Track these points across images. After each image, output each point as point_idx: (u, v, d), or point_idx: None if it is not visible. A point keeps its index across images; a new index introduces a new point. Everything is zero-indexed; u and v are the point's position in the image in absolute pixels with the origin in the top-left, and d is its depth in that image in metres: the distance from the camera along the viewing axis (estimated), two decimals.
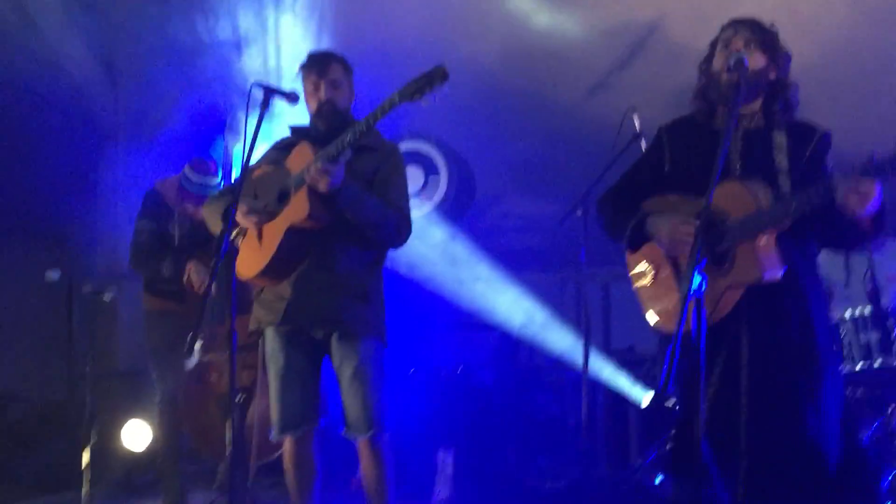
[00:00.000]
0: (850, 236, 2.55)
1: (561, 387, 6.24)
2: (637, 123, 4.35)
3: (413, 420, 5.32)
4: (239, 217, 3.16)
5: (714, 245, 2.55)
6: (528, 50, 5.53)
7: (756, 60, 2.65)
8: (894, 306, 3.95)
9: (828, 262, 4.71)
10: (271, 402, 3.28)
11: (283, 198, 3.19)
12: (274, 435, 3.29)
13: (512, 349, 6.55)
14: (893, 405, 3.89)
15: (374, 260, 3.32)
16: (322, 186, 2.98)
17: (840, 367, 2.73)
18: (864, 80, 4.98)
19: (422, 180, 6.01)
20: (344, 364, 3.20)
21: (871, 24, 4.76)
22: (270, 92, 3.14)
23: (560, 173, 5.93)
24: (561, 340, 5.99)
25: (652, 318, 2.83)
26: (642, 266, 2.84)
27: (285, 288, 3.21)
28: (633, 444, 5.50)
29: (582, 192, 4.39)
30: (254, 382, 4.06)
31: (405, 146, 5.92)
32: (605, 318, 6.60)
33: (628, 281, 2.94)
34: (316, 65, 3.30)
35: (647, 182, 2.83)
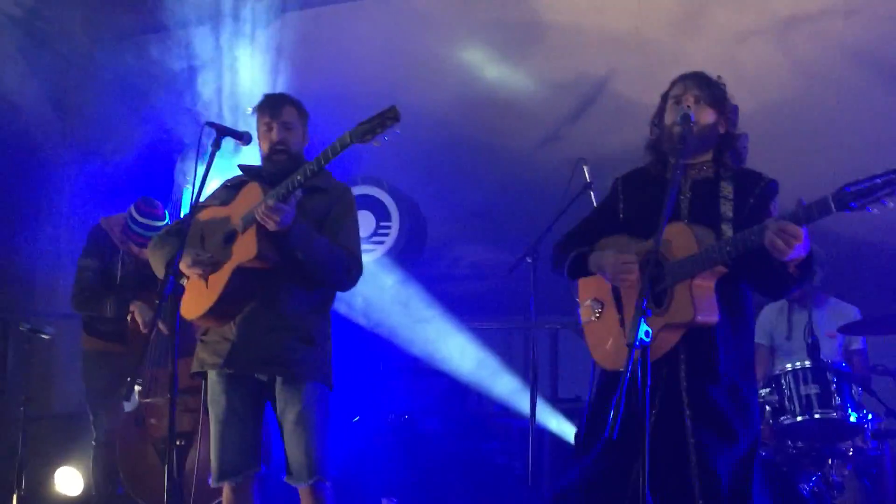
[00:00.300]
0: (778, 280, 2.57)
1: (508, 435, 6.22)
2: (587, 174, 4.43)
3: (357, 467, 5.24)
4: (183, 267, 3.10)
5: (654, 285, 2.58)
6: (482, 100, 5.62)
7: (705, 116, 2.73)
8: (833, 361, 4.04)
9: (772, 318, 4.84)
10: (211, 447, 3.19)
11: (230, 239, 3.15)
12: (213, 481, 3.20)
13: (460, 396, 6.52)
14: (832, 458, 3.95)
15: (322, 302, 3.28)
16: (272, 225, 2.95)
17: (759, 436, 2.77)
18: (801, 136, 5.16)
19: (373, 225, 6.01)
20: (287, 408, 3.13)
21: (810, 85, 4.96)
22: (222, 132, 3.14)
23: (511, 222, 5.99)
24: (509, 389, 5.98)
25: (595, 354, 2.86)
26: (590, 302, 2.87)
27: (230, 329, 3.15)
28: None
29: (532, 240, 4.43)
30: (195, 427, 3.96)
31: (357, 191, 5.91)
32: (553, 368, 6.62)
33: (576, 331, 2.96)
34: (270, 106, 3.28)
35: (602, 230, 2.88)
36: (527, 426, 4.58)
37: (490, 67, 5.50)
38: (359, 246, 3.29)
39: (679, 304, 2.56)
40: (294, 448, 3.11)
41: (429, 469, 5.63)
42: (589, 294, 2.88)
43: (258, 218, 2.97)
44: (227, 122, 3.79)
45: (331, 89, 5.17)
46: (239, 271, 3.07)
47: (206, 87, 5.19)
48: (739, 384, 2.66)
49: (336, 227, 3.23)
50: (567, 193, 4.35)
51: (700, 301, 2.54)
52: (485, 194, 6.17)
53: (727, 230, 2.65)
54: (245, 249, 3.06)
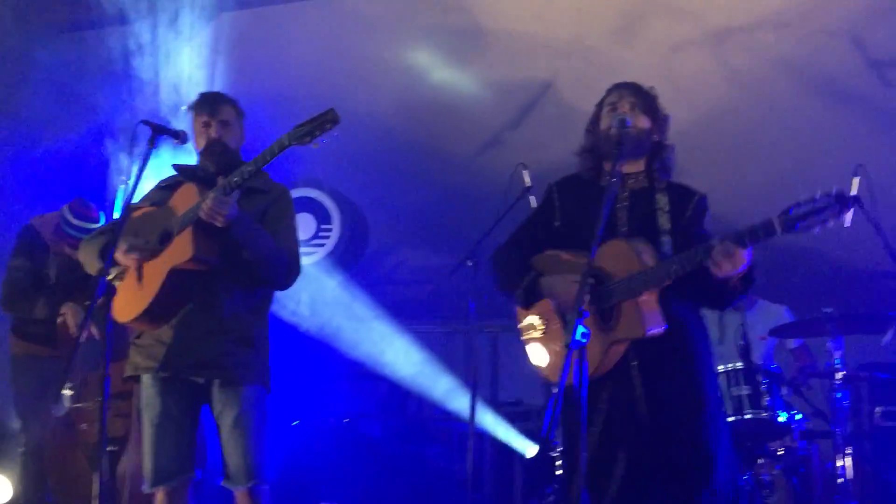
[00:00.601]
0: (721, 295, 2.64)
1: (449, 439, 6.24)
2: (527, 179, 4.47)
3: (297, 471, 5.19)
4: (118, 255, 3.04)
5: (601, 302, 2.63)
6: (424, 104, 5.63)
7: (641, 121, 2.81)
8: (764, 363, 4.15)
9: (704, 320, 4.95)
10: (144, 451, 3.12)
11: (165, 239, 3.09)
12: (146, 487, 3.13)
13: (400, 400, 6.52)
14: (762, 458, 4.06)
15: (261, 304, 3.24)
16: (220, 220, 2.92)
17: (724, 414, 2.84)
18: (736, 146, 5.30)
19: (314, 228, 5.97)
20: (225, 411, 3.08)
21: (743, 95, 5.09)
22: (158, 130, 3.08)
23: (452, 226, 6.00)
24: (450, 392, 6.00)
25: (540, 370, 2.87)
26: (532, 319, 2.89)
27: (165, 332, 3.09)
28: (518, 495, 5.53)
29: (472, 244, 4.45)
30: (127, 432, 3.87)
31: (297, 193, 5.87)
32: (494, 371, 6.66)
33: (517, 333, 2.98)
34: (207, 104, 3.25)
35: (538, 237, 2.90)
36: (468, 430, 4.59)
37: (433, 72, 5.51)
38: (298, 246, 3.26)
39: (628, 321, 2.61)
40: (232, 451, 3.07)
41: (369, 473, 5.61)
42: (530, 311, 2.89)
43: (203, 215, 2.92)
44: (164, 121, 3.71)
45: (271, 90, 5.12)
46: (174, 273, 3.02)
47: (142, 84, 5.09)
48: (697, 377, 2.71)
49: (274, 226, 3.20)
50: (507, 198, 4.38)
51: (648, 316, 2.60)
52: (427, 198, 6.18)
53: (666, 242, 2.72)
54: (181, 251, 3.00)
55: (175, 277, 3.02)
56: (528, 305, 2.86)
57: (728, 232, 2.45)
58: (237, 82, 5.30)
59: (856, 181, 3.90)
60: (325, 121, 2.82)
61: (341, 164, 6.02)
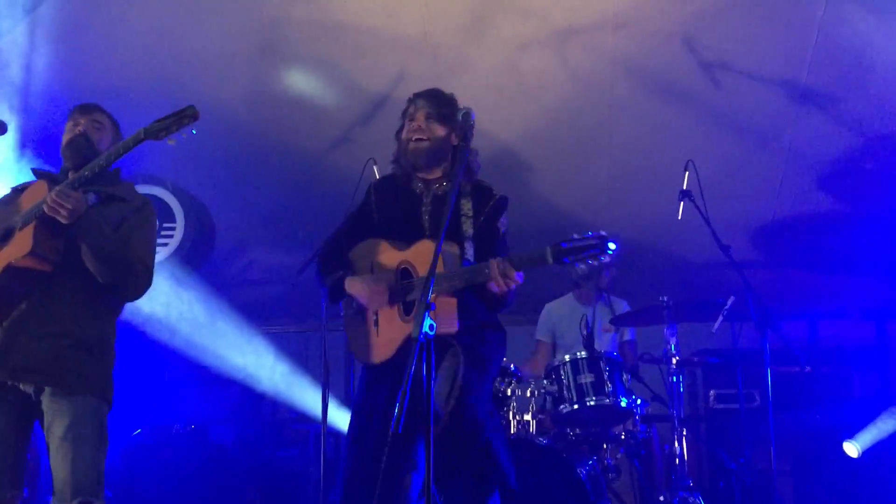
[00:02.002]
0: (494, 303, 2.88)
1: (305, 441, 6.13)
2: (377, 174, 4.45)
3: (140, 484, 4.96)
4: None
5: (405, 295, 2.86)
6: (272, 97, 5.50)
7: (436, 131, 2.97)
8: (606, 351, 4.31)
9: (553, 316, 5.11)
10: None
11: (6, 236, 2.92)
12: None
13: (254, 404, 6.35)
14: (606, 443, 4.22)
15: (105, 309, 3.06)
16: (63, 214, 2.78)
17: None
18: (577, 140, 5.49)
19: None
20: (55, 422, 2.87)
21: (585, 94, 5.28)
22: None
23: (303, 223, 5.90)
24: (305, 393, 5.90)
25: (352, 348, 3.07)
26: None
27: None
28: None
29: (322, 241, 4.38)
30: None
31: (139, 191, 5.61)
32: (347, 370, 6.60)
33: None
34: (81, 107, 3.18)
35: (357, 232, 3.10)
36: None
37: (280, 65, 5.39)
38: (152, 258, 3.12)
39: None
40: (58, 466, 2.86)
41: (222, 481, 5.44)
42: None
43: (46, 208, 2.78)
44: None
45: (102, 80, 4.85)
46: (11, 270, 2.85)
47: None
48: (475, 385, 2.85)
49: (129, 234, 3.05)
50: (358, 193, 4.34)
51: (441, 314, 2.69)
52: (276, 195, 6.05)
53: (468, 248, 2.90)
54: (20, 245, 2.85)
55: (11, 274, 2.86)
56: (336, 301, 3.07)
57: (510, 255, 2.71)
58: (69, 71, 4.99)
59: (686, 176, 4.13)
60: (184, 117, 2.78)
61: (185, 160, 5.78)
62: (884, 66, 4.88)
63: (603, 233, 2.55)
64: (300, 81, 5.48)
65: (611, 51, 5.06)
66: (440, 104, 3.00)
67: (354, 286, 2.96)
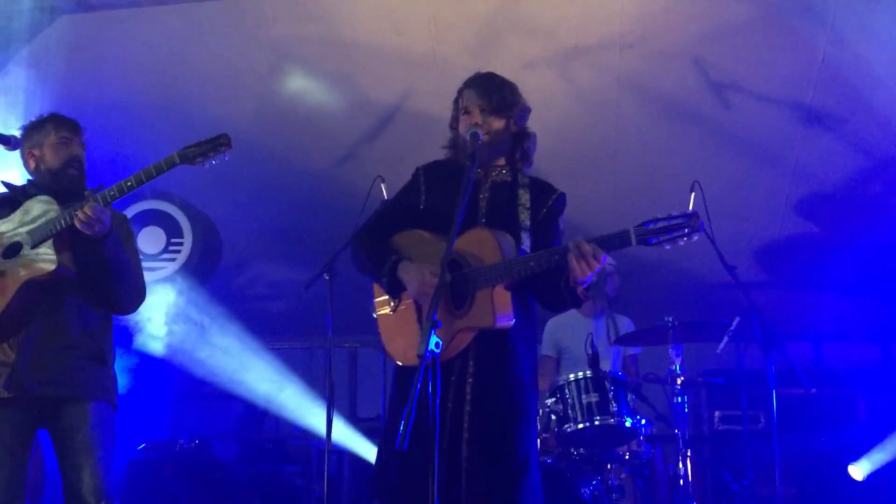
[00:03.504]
0: (564, 298, 2.66)
1: (308, 457, 6.11)
2: (384, 192, 4.46)
3: (147, 496, 4.95)
4: None
5: (457, 287, 2.63)
6: (280, 113, 5.53)
7: (493, 125, 2.80)
8: (611, 371, 4.29)
9: (558, 331, 5.09)
10: None
11: (12, 252, 2.94)
12: None
13: (257, 420, 6.34)
14: (611, 463, 4.19)
15: (106, 321, 3.14)
16: (96, 229, 2.84)
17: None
18: (582, 159, 5.49)
19: (164, 242, 5.74)
20: (72, 429, 2.93)
21: (590, 113, 5.30)
22: None
23: (309, 239, 5.92)
24: (309, 409, 5.89)
25: (388, 347, 2.86)
26: (387, 296, 2.87)
27: (5, 352, 2.93)
28: None
29: (329, 258, 4.39)
30: None
31: (147, 206, 5.64)
32: (352, 386, 6.59)
33: (375, 348, 2.96)
34: (69, 123, 3.16)
35: (400, 218, 2.87)
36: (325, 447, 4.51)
37: (289, 82, 5.43)
38: (142, 272, 3.22)
39: (480, 310, 2.62)
40: (80, 471, 2.90)
41: (225, 497, 5.42)
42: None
43: (80, 223, 2.83)
44: None
45: (112, 97, 4.88)
46: (30, 285, 2.90)
47: None
48: (528, 386, 2.73)
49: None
50: (365, 211, 4.35)
51: (500, 308, 2.62)
52: (283, 211, 6.07)
53: (525, 239, 2.75)
54: (42, 262, 2.90)
55: (29, 290, 2.91)
56: (396, 295, 2.80)
57: (585, 239, 2.50)
58: (76, 88, 5.03)
59: (692, 197, 4.13)
60: (220, 144, 2.87)
61: (193, 176, 5.76)
62: (890, 88, 4.89)
63: (692, 210, 2.38)
64: (308, 98, 5.51)
65: (617, 70, 5.09)
66: (492, 93, 2.81)
67: (409, 271, 2.71)
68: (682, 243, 2.42)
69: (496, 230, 2.72)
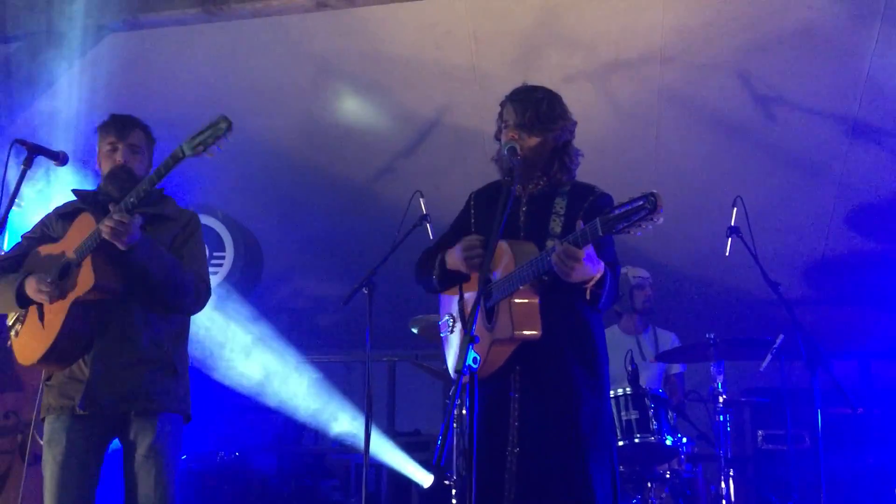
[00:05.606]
0: (586, 299, 2.64)
1: (345, 471, 6.13)
2: (423, 206, 4.47)
3: None
4: (31, 293, 2.92)
5: (486, 302, 2.67)
6: (321, 128, 5.58)
7: (530, 142, 2.78)
8: (651, 388, 4.24)
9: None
10: (47, 491, 2.92)
11: (64, 273, 2.95)
12: None
13: (296, 433, 6.37)
14: (651, 482, 4.14)
15: (180, 330, 3.11)
16: (122, 240, 2.82)
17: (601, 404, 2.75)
18: (622, 173, 5.42)
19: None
20: (138, 439, 2.94)
21: (630, 126, 5.26)
22: (34, 150, 2.95)
23: (349, 253, 5.95)
24: (348, 423, 5.90)
25: (449, 364, 2.92)
26: (447, 317, 2.96)
27: (80, 369, 2.93)
28: None
29: (369, 272, 4.41)
30: (8, 469, 3.64)
31: None
32: (391, 401, 6.60)
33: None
34: (116, 126, 3.12)
35: (454, 242, 2.89)
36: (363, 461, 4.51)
37: (330, 97, 5.48)
38: (206, 268, 3.17)
39: (502, 322, 2.64)
40: (142, 481, 2.92)
41: None
42: (445, 310, 2.98)
43: (105, 235, 2.81)
44: (45, 142, 3.53)
45: (162, 113, 4.96)
46: (77, 306, 2.89)
47: (20, 104, 4.86)
48: (584, 394, 2.68)
49: (181, 250, 3.10)
50: (404, 225, 4.37)
51: (519, 318, 2.61)
52: (323, 225, 6.11)
53: (551, 246, 2.70)
54: (82, 281, 2.88)
55: (78, 310, 2.90)
56: (446, 287, 2.90)
57: (568, 236, 2.50)
58: (127, 104, 5.12)
59: (734, 212, 4.07)
60: (219, 128, 2.72)
61: (234, 190, 5.89)
62: None
63: (652, 191, 2.26)
64: (349, 112, 5.56)
65: (658, 83, 5.05)
66: (527, 110, 2.78)
67: (454, 250, 2.81)
68: (649, 227, 2.31)
69: (514, 241, 2.73)
